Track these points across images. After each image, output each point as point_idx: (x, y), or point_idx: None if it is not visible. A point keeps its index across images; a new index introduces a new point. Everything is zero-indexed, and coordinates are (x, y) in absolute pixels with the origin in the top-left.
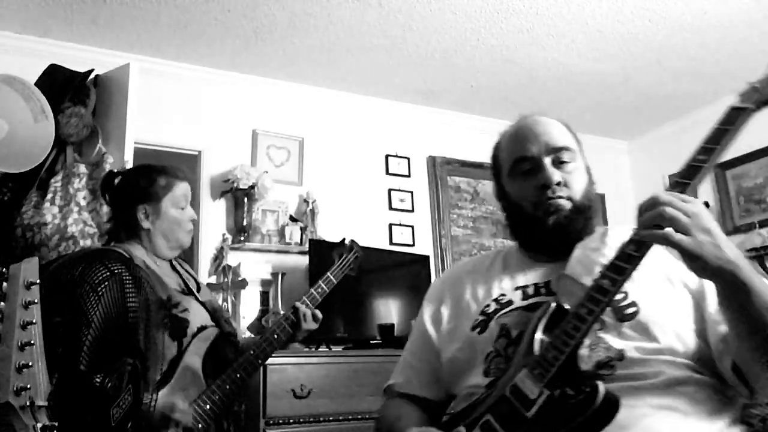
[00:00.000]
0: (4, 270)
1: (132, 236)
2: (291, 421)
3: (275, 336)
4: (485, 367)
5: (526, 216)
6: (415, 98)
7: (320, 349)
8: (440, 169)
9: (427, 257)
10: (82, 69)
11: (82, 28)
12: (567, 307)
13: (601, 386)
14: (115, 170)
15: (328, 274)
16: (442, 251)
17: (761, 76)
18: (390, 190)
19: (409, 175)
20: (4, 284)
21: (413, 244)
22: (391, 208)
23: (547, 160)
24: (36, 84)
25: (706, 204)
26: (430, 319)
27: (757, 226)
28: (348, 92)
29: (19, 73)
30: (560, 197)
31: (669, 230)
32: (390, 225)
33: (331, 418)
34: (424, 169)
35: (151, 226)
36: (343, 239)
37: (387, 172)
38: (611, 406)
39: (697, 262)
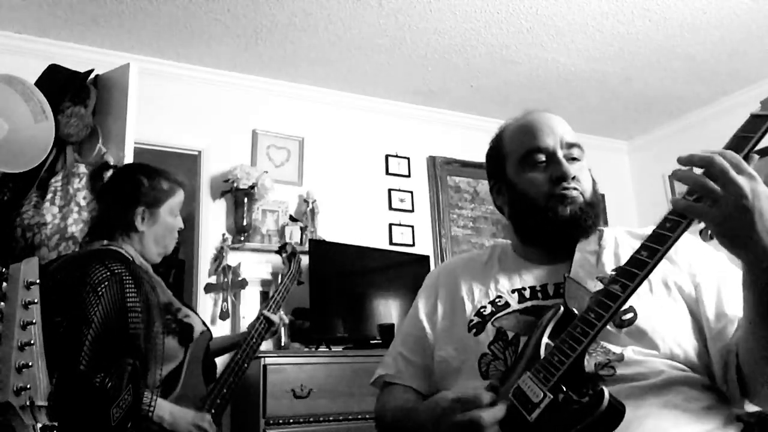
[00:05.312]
0: (4, 270)
1: (124, 235)
2: (291, 421)
3: (254, 340)
4: (481, 368)
5: (537, 208)
6: (415, 98)
7: (320, 349)
8: (440, 169)
9: (427, 257)
10: (82, 69)
11: (82, 28)
12: (575, 311)
13: (606, 391)
14: (112, 162)
15: (286, 280)
16: (442, 251)
17: None
18: (390, 190)
19: (409, 175)
20: (4, 284)
21: (413, 244)
22: (391, 208)
23: (561, 154)
24: (36, 84)
25: None
26: (426, 314)
27: None
28: (348, 92)
29: (19, 73)
30: (575, 188)
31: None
32: (390, 225)
33: (331, 418)
34: (424, 169)
35: (145, 229)
36: (284, 244)
37: (387, 172)
38: (616, 412)
39: (726, 235)
